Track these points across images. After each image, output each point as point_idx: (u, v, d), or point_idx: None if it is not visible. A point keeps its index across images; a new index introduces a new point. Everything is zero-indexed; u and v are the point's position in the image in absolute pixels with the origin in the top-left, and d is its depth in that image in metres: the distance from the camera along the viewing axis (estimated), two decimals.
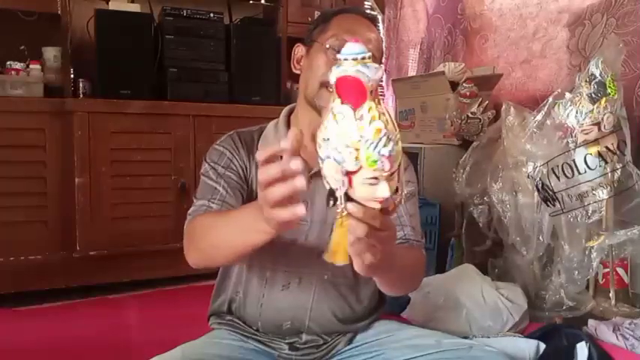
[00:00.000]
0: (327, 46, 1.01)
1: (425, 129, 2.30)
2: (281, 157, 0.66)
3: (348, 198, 0.63)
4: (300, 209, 0.64)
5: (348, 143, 0.59)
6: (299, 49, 1.11)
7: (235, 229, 0.83)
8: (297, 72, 1.11)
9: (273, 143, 1.07)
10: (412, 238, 1.05)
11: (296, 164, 0.62)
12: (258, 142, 1.08)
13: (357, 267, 0.67)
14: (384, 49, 3.29)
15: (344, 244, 0.64)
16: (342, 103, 0.60)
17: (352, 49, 0.61)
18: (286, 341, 1.06)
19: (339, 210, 0.62)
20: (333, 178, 0.62)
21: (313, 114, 1.04)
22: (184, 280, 2.10)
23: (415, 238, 1.06)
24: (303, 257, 1.03)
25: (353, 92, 0.60)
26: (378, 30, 1.09)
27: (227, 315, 1.10)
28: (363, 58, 0.61)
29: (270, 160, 0.65)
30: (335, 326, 1.07)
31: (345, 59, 0.61)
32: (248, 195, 1.04)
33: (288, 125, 1.10)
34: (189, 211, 1.01)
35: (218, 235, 0.88)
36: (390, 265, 0.76)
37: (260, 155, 0.66)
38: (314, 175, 1.04)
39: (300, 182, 0.62)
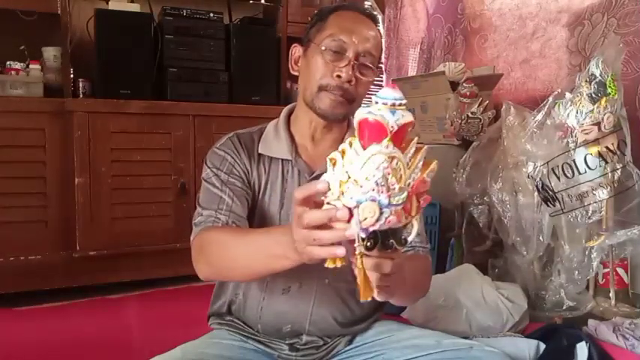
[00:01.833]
0: (323, 48, 1.00)
1: (425, 129, 2.30)
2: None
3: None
4: (340, 250, 0.65)
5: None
6: (296, 50, 1.09)
7: (259, 255, 0.84)
8: (296, 73, 1.09)
9: (273, 145, 1.06)
10: (418, 245, 1.04)
11: (343, 214, 0.63)
12: (258, 143, 1.07)
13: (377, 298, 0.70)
14: (383, 47, 3.30)
15: (367, 281, 0.67)
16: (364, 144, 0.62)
17: (392, 95, 0.62)
18: (286, 342, 1.06)
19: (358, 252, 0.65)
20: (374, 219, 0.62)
21: (313, 115, 1.03)
22: (184, 280, 2.10)
23: (421, 244, 1.05)
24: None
25: (372, 134, 0.62)
26: (378, 27, 1.07)
27: (227, 315, 1.10)
28: (393, 105, 0.62)
29: (308, 199, 0.67)
30: (335, 329, 1.07)
31: (385, 103, 0.62)
32: (252, 199, 1.03)
33: (288, 126, 1.09)
34: (196, 221, 1.00)
35: (237, 257, 0.88)
36: (400, 285, 0.77)
37: (298, 194, 0.67)
38: (316, 178, 1.04)
39: (349, 233, 0.64)
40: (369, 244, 0.64)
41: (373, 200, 0.61)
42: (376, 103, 0.63)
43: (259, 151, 1.06)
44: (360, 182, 0.61)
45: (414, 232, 0.66)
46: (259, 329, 1.06)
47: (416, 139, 0.65)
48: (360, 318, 1.10)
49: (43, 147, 1.98)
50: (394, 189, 0.61)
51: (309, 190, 0.67)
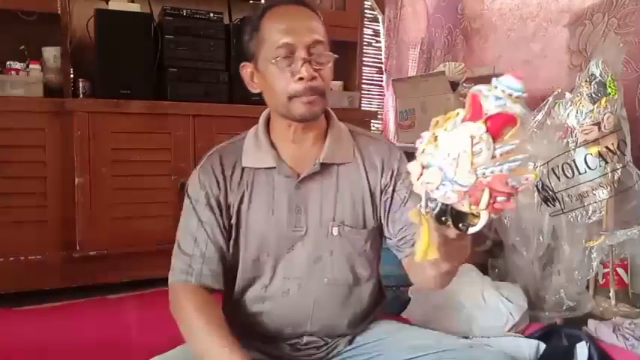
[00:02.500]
0: (273, 61, 0.96)
1: (425, 129, 2.30)
2: None
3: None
4: None
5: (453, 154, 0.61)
6: (247, 69, 1.05)
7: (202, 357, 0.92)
8: (256, 91, 1.05)
9: (255, 156, 1.04)
10: None
11: None
12: (241, 156, 1.05)
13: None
14: (383, 46, 3.30)
15: (431, 241, 0.67)
16: (465, 118, 0.62)
17: (508, 82, 0.61)
18: (287, 342, 1.06)
19: (424, 211, 0.66)
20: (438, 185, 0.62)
21: (290, 120, 1.01)
22: None
23: None
24: (301, 263, 1.03)
25: (472, 110, 0.61)
26: (312, 8, 1.01)
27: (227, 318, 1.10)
28: (504, 92, 0.60)
29: None
30: (336, 329, 1.07)
31: (496, 87, 0.61)
32: (237, 218, 1.03)
33: (268, 131, 1.06)
34: (173, 263, 1.03)
35: (193, 345, 0.96)
36: (453, 268, 0.80)
37: None
38: (304, 179, 1.03)
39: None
40: (427, 207, 0.65)
41: (440, 169, 0.61)
42: (503, 91, 0.61)
43: (243, 165, 1.04)
44: (439, 147, 0.62)
45: (478, 225, 0.63)
46: (260, 332, 1.06)
47: (519, 140, 0.62)
48: (360, 316, 1.09)
49: (43, 147, 1.98)
50: (463, 169, 0.60)
51: None
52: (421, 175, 0.63)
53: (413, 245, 0.97)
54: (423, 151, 0.64)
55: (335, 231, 1.03)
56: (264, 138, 1.05)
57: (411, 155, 0.70)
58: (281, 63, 0.96)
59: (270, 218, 1.02)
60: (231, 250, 1.04)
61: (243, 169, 1.04)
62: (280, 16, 0.98)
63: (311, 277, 1.03)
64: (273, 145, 1.05)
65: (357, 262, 1.05)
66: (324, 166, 1.04)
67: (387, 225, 1.06)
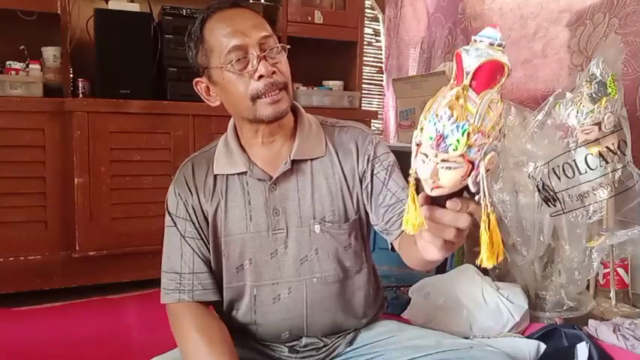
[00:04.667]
0: (228, 67, 0.94)
1: None
2: None
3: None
4: None
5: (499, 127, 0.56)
6: (201, 84, 1.02)
7: None
8: (215, 104, 1.02)
9: (226, 162, 1.02)
10: None
11: None
12: (213, 164, 1.04)
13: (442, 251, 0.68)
14: (383, 46, 3.30)
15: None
16: (483, 89, 0.55)
17: (487, 32, 0.57)
18: (286, 345, 1.06)
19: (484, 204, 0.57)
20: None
21: (259, 124, 0.99)
22: None
23: None
24: (288, 266, 1.02)
25: (489, 78, 0.56)
26: (249, 5, 0.99)
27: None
28: (500, 45, 0.56)
29: None
30: (334, 327, 1.06)
31: (481, 41, 0.56)
32: (213, 226, 1.02)
33: (238, 137, 1.04)
34: (163, 282, 1.02)
35: None
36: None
37: None
38: (278, 180, 1.01)
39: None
40: (476, 197, 0.58)
41: (494, 150, 0.56)
42: (490, 44, 0.56)
43: (215, 172, 1.03)
44: (487, 132, 0.55)
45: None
46: (257, 338, 1.06)
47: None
48: (357, 311, 1.08)
49: (43, 147, 1.98)
50: (503, 135, 0.57)
51: None
52: (470, 172, 0.56)
53: (400, 227, 0.97)
54: (469, 147, 0.55)
55: (317, 228, 1.01)
56: (234, 143, 1.03)
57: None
58: (236, 66, 0.93)
59: (249, 224, 1.01)
60: (213, 261, 1.03)
61: (215, 177, 1.03)
62: (222, 21, 0.96)
63: (300, 278, 1.02)
64: (243, 149, 1.03)
65: (345, 256, 1.04)
66: (297, 164, 1.02)
67: (372, 210, 1.04)
